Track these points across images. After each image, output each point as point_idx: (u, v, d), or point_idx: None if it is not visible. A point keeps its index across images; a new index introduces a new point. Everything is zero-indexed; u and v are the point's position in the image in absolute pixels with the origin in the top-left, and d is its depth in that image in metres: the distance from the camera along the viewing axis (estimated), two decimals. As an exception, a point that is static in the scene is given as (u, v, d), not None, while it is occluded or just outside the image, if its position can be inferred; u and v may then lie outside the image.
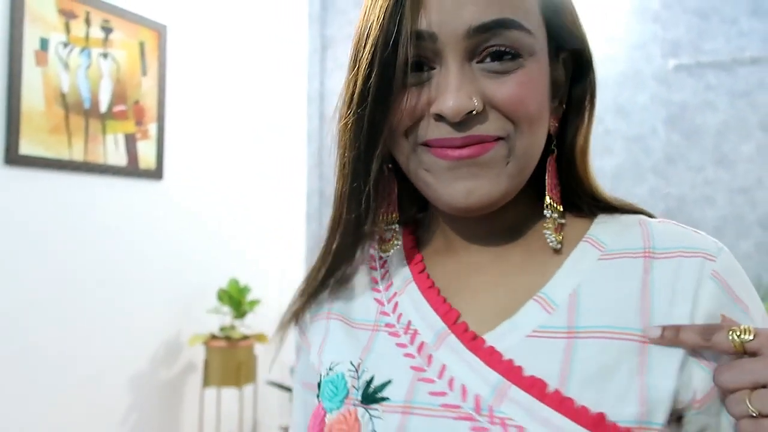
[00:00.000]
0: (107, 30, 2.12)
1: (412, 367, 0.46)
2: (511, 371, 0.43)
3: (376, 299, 0.52)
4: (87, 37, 2.06)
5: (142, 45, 2.26)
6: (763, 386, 0.39)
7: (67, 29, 1.99)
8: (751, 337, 0.40)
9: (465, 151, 0.43)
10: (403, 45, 0.42)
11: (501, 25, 0.42)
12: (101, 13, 2.10)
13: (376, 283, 0.54)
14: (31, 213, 1.91)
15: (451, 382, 0.44)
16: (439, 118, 0.44)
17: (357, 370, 0.48)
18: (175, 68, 2.41)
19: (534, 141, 0.46)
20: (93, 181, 2.09)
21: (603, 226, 0.50)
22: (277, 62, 3.00)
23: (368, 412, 0.46)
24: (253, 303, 2.45)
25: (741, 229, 2.49)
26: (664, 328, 0.43)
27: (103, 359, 2.11)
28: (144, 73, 2.27)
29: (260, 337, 2.43)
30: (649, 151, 2.61)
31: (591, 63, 0.50)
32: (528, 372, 0.43)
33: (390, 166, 0.51)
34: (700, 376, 0.43)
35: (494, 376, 0.43)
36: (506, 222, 0.50)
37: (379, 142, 0.45)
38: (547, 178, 0.50)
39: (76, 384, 2.02)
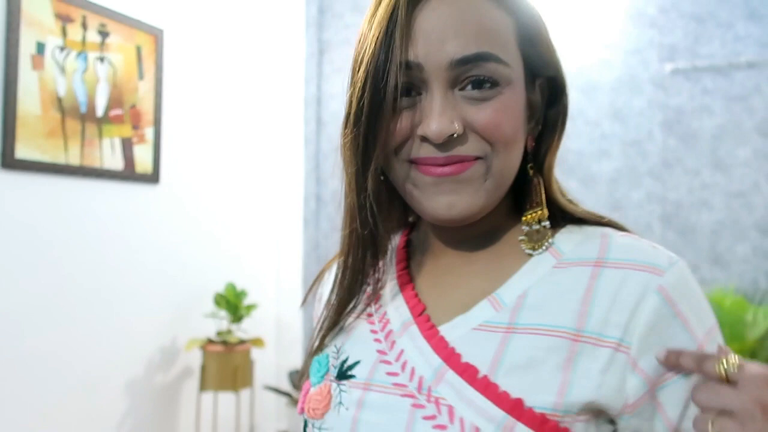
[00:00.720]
0: (104, 34, 2.12)
1: (378, 351, 0.53)
2: (450, 357, 0.49)
3: (365, 291, 0.59)
4: (84, 41, 2.05)
5: (138, 49, 2.25)
6: (730, 413, 0.42)
7: (64, 33, 1.99)
8: (735, 370, 0.43)
9: (447, 169, 0.49)
10: (393, 73, 0.47)
11: (480, 58, 0.48)
12: (98, 17, 2.10)
13: (368, 277, 0.60)
14: (27, 217, 1.90)
15: (404, 365, 0.51)
16: (425, 139, 0.49)
17: (338, 351, 0.56)
18: (172, 72, 2.41)
19: (509, 160, 0.51)
20: (89, 185, 2.08)
21: (567, 236, 0.54)
22: (274, 66, 3.00)
23: (339, 386, 0.53)
24: (250, 307, 2.44)
25: (738, 233, 2.50)
26: (669, 352, 0.47)
27: (99, 363, 2.10)
28: (141, 77, 2.26)
29: (257, 342, 2.42)
30: (646, 155, 2.62)
31: (564, 88, 0.55)
32: (465, 359, 0.49)
33: (382, 178, 0.55)
34: (634, 384, 0.47)
35: (437, 360, 0.49)
36: (480, 229, 0.56)
37: (373, 159, 0.50)
38: (533, 195, 0.55)
39: (73, 388, 2.01)
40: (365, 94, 0.48)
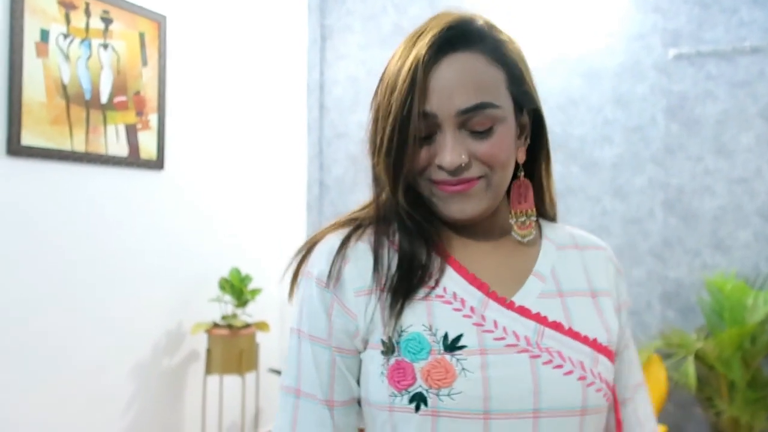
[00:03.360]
0: (107, 21, 2.13)
1: (474, 324, 0.66)
2: (541, 320, 0.67)
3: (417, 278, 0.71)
4: (87, 28, 2.06)
5: (142, 36, 2.26)
6: None
7: (67, 20, 2.00)
8: None
9: (458, 188, 0.67)
10: (414, 121, 0.65)
11: (480, 107, 0.65)
12: (101, 4, 2.10)
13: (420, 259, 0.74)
14: (32, 204, 1.92)
15: (504, 330, 0.65)
16: (440, 167, 0.66)
17: (430, 330, 0.65)
18: (175, 59, 2.42)
19: (504, 177, 0.69)
20: (94, 171, 2.10)
21: (548, 230, 0.77)
22: (277, 52, 3.00)
23: (454, 357, 0.63)
24: (255, 292, 2.47)
25: (740, 219, 2.50)
26: None
27: (106, 348, 2.14)
28: (144, 63, 2.27)
29: (262, 326, 2.45)
30: (649, 141, 2.62)
31: (542, 116, 0.73)
32: (550, 319, 0.67)
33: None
34: (618, 318, 0.74)
35: (532, 323, 0.67)
36: (497, 224, 0.74)
37: (401, 179, 0.68)
38: (511, 198, 0.74)
39: (81, 372, 2.05)
40: (394, 137, 0.66)
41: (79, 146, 2.03)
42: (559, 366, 0.64)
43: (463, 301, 0.67)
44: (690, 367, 2.22)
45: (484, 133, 0.66)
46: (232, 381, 2.57)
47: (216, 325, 2.41)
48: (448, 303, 0.67)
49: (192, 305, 2.47)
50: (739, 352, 2.26)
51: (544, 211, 0.78)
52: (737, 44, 2.47)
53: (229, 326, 2.39)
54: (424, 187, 0.69)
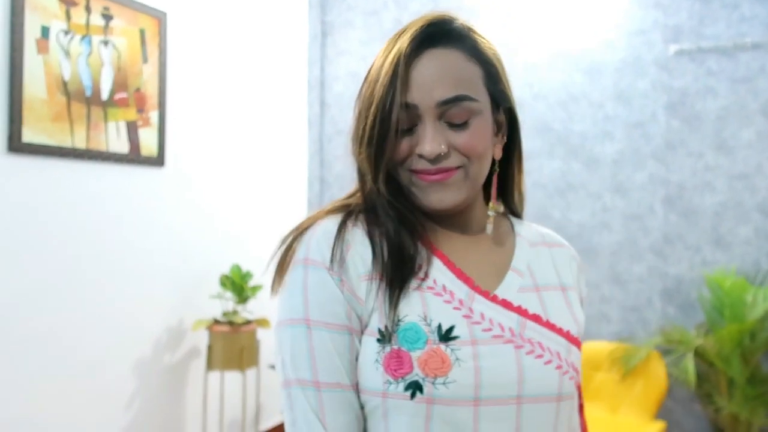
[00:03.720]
0: (107, 17, 2.13)
1: (463, 316, 0.69)
2: (522, 312, 0.71)
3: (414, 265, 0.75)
4: (87, 25, 2.06)
5: (142, 32, 2.26)
6: None
7: (68, 17, 2.00)
8: None
9: (437, 177, 0.70)
10: (395, 111, 0.68)
11: (458, 99, 0.68)
12: (101, 0, 2.10)
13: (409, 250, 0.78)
14: (34, 200, 1.93)
15: (491, 322, 0.69)
16: (421, 156, 0.69)
17: (425, 320, 0.68)
18: (176, 55, 2.42)
19: (481, 167, 0.73)
20: (95, 168, 2.11)
21: (519, 227, 0.81)
22: (278, 49, 3.00)
23: (449, 347, 0.66)
24: (255, 288, 2.47)
25: (740, 215, 2.50)
26: None
27: (107, 345, 2.15)
28: (145, 60, 2.27)
29: (262, 322, 2.46)
30: (650, 137, 2.62)
31: (515, 114, 0.77)
32: (530, 312, 0.72)
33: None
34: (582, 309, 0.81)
35: (515, 316, 0.71)
36: (474, 219, 0.78)
37: (381, 168, 0.71)
38: (492, 191, 0.78)
39: (83, 368, 2.06)
40: (376, 126, 0.69)
41: (80, 143, 2.04)
42: (540, 356, 0.69)
43: (452, 294, 0.70)
44: (690, 364, 2.23)
45: (462, 125, 0.69)
46: (233, 377, 2.58)
47: (217, 322, 2.41)
48: (438, 295, 0.70)
49: (193, 302, 2.48)
50: (739, 349, 2.26)
51: (514, 207, 0.82)
52: (738, 40, 2.46)
53: (230, 323, 2.40)
54: (404, 177, 0.72)
